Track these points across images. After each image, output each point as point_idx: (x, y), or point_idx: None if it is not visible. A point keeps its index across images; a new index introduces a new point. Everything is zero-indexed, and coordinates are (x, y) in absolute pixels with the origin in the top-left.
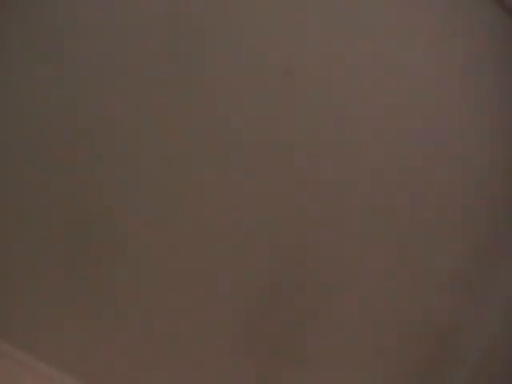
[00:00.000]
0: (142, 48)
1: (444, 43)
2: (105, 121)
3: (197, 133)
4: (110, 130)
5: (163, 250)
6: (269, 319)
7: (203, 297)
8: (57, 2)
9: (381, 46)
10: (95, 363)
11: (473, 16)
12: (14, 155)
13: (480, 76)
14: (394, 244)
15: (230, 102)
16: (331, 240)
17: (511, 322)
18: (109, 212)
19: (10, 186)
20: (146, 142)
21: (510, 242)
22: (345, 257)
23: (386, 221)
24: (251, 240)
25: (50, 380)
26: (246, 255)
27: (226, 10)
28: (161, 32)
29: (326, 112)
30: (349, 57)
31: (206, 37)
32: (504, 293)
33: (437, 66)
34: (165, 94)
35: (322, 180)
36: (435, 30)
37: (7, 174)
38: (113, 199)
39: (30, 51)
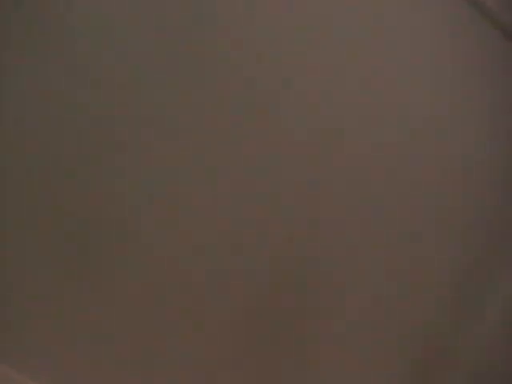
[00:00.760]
0: (143, 51)
1: (442, 46)
2: (105, 121)
3: (197, 133)
4: (111, 130)
5: (163, 250)
6: (268, 319)
7: (203, 297)
8: (57, 2)
9: (380, 46)
10: (95, 361)
11: (472, 17)
12: (14, 155)
13: (480, 76)
14: (394, 244)
15: (230, 101)
16: (331, 240)
17: (510, 322)
18: (109, 212)
19: (10, 186)
20: (146, 142)
21: (509, 242)
22: (346, 257)
23: (387, 222)
24: (251, 240)
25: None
26: (246, 255)
27: (227, 22)
28: (161, 34)
29: (325, 114)
30: (348, 68)
31: (207, 47)
32: (503, 294)
33: (436, 69)
34: (165, 95)
35: (323, 181)
36: (435, 33)
37: (7, 173)
38: (113, 199)
39: (29, 51)
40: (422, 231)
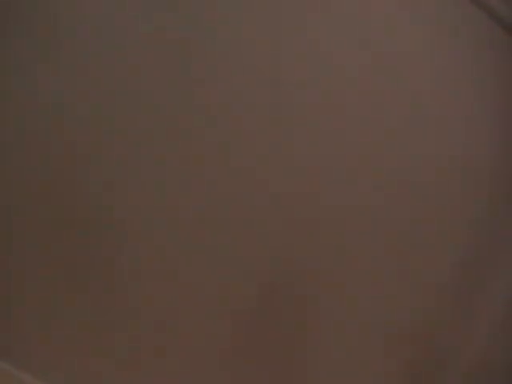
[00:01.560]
0: (143, 50)
1: (443, 44)
2: (104, 121)
3: (196, 134)
4: (110, 130)
5: (163, 251)
6: (268, 320)
7: (203, 297)
8: (57, 2)
9: (380, 47)
10: (95, 359)
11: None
12: (14, 155)
13: (480, 76)
14: (394, 244)
15: (230, 102)
16: (331, 240)
17: (510, 322)
18: (109, 212)
19: (10, 186)
20: (146, 142)
21: (509, 241)
22: (346, 257)
23: (383, 222)
24: (251, 240)
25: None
26: (245, 255)
27: (227, 22)
28: (161, 34)
29: (325, 114)
30: (348, 68)
31: (206, 47)
32: (503, 293)
33: (436, 68)
34: (165, 95)
35: (323, 181)
36: (435, 32)
37: (7, 173)
38: (113, 199)
39: (30, 51)
40: (422, 231)
